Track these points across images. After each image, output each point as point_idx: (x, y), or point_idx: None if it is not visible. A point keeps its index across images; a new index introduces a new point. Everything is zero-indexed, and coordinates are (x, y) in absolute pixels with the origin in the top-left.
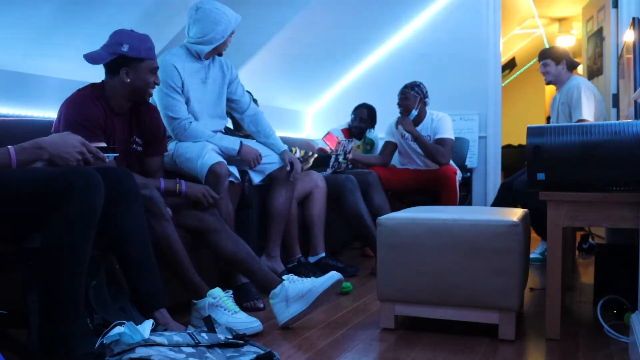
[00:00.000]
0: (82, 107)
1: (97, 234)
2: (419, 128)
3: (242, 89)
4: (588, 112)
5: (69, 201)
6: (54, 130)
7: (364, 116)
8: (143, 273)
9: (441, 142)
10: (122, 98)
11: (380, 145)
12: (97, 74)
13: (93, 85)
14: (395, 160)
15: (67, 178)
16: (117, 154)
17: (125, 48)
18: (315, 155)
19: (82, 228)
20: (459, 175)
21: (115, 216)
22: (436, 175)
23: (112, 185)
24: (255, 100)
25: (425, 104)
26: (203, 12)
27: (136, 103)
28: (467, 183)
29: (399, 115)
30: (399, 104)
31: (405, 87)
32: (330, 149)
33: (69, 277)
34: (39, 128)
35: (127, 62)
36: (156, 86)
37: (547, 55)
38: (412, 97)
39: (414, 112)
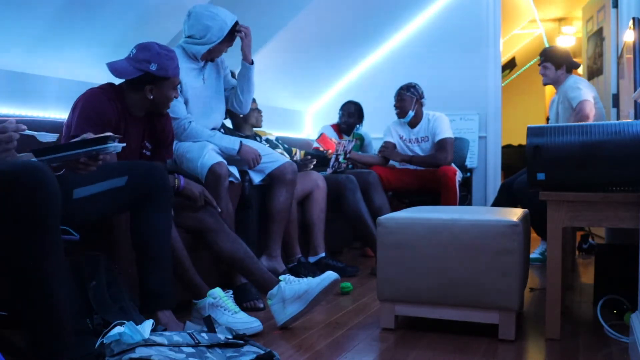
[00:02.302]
0: (95, 103)
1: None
2: (416, 129)
3: (229, 76)
4: (587, 94)
5: (13, 207)
6: (66, 123)
7: (352, 110)
8: (158, 271)
9: (442, 142)
10: (141, 107)
11: (371, 140)
12: (99, 74)
13: (112, 85)
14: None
15: (4, 180)
16: (124, 144)
17: (153, 67)
18: (315, 161)
19: (36, 235)
20: (459, 175)
21: (144, 210)
22: (436, 176)
23: (144, 180)
24: (253, 100)
25: (421, 105)
26: (195, 16)
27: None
28: (467, 183)
29: (396, 116)
30: (395, 106)
31: (401, 88)
32: (325, 150)
33: (34, 288)
34: (39, 128)
35: (153, 80)
36: None
37: (548, 58)
38: (408, 99)
39: (411, 114)
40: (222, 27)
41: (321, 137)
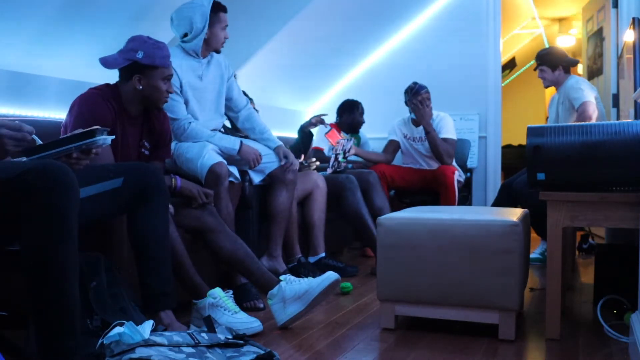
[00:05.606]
0: (90, 105)
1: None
2: (420, 128)
3: (238, 88)
4: (589, 96)
5: (31, 205)
6: (64, 124)
7: (361, 110)
8: (158, 271)
9: (444, 142)
10: (134, 103)
11: (368, 139)
12: (98, 74)
13: (108, 85)
14: (398, 160)
15: (26, 179)
16: (113, 137)
17: (139, 55)
18: (317, 163)
19: (54, 233)
20: (461, 176)
21: (140, 211)
22: (434, 175)
23: (139, 181)
24: (251, 100)
25: None
26: (176, 16)
27: (148, 108)
28: (467, 183)
29: (412, 116)
30: (423, 107)
31: (425, 89)
32: (332, 145)
33: (52, 286)
34: (39, 128)
35: (141, 69)
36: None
37: (543, 61)
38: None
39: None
40: (203, 11)
41: (330, 132)
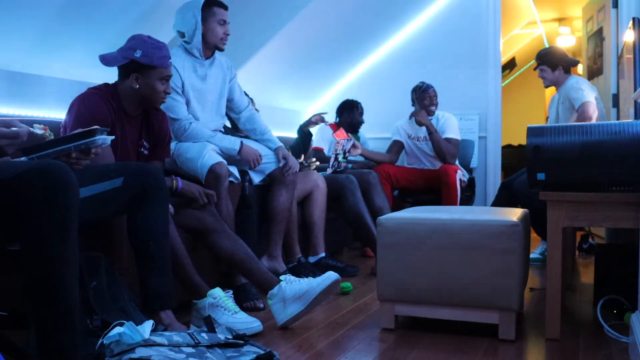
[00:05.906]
0: (90, 104)
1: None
2: (424, 128)
3: (240, 89)
4: (589, 96)
5: (31, 205)
6: (63, 124)
7: (361, 110)
8: (158, 271)
9: (448, 141)
10: (132, 102)
11: (367, 139)
12: (98, 74)
13: (107, 85)
14: (402, 161)
15: (26, 179)
16: (113, 137)
17: (138, 54)
18: (317, 163)
19: (54, 233)
20: (465, 175)
21: (140, 211)
22: (437, 174)
23: (139, 181)
24: (251, 100)
25: None
26: (176, 18)
27: (146, 108)
28: (471, 184)
29: (414, 114)
30: (434, 104)
31: (432, 88)
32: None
33: (51, 286)
34: None
35: (138, 68)
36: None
37: (544, 61)
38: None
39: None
40: (195, 5)
41: (339, 132)
